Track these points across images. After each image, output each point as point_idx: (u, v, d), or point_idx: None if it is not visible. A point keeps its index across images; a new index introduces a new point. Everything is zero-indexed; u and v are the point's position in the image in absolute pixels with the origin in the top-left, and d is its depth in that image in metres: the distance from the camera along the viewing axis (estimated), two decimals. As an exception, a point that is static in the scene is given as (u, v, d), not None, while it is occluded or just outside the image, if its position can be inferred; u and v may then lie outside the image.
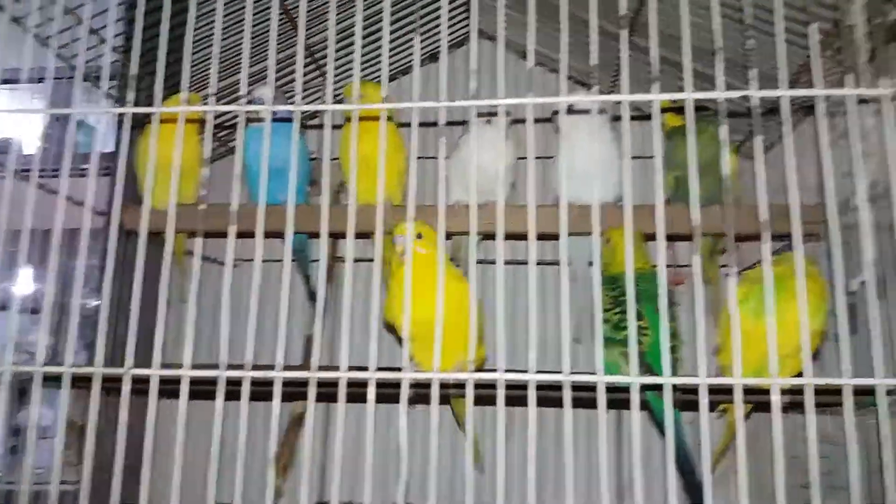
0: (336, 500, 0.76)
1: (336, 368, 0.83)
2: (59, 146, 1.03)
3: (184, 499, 0.82)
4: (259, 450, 1.53)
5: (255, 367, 0.82)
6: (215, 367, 0.81)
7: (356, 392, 0.82)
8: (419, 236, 1.20)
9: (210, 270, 1.71)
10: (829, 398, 0.83)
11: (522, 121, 1.81)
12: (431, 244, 1.19)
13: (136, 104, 0.93)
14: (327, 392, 0.84)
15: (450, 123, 1.89)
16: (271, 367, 0.83)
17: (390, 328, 1.21)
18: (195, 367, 0.82)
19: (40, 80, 1.08)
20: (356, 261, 1.69)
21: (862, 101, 1.03)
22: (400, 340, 1.22)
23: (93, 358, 0.83)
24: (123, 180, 0.93)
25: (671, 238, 1.64)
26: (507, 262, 1.77)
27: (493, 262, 1.76)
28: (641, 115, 1.89)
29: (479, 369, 1.31)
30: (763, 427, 1.52)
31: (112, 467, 0.81)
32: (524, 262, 1.77)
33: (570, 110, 1.41)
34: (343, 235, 1.66)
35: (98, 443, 1.39)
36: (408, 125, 1.80)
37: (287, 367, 0.82)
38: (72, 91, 1.01)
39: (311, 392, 0.80)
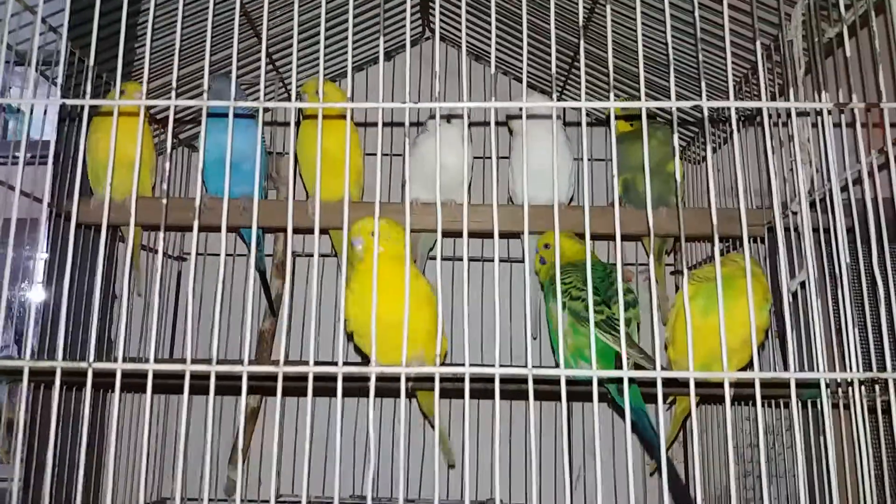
0: (304, 493, 0.77)
1: (299, 363, 0.83)
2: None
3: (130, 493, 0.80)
4: (208, 443, 1.51)
5: (219, 362, 0.82)
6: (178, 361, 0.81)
7: (318, 386, 0.83)
8: (373, 234, 1.19)
9: (153, 263, 1.69)
10: (771, 391, 0.88)
11: (478, 123, 1.85)
12: (387, 240, 1.19)
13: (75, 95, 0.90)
14: (288, 386, 0.85)
15: (412, 124, 1.91)
16: (232, 362, 0.82)
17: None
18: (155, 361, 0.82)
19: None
20: (313, 256, 1.69)
21: (801, 113, 1.10)
22: (349, 336, 1.24)
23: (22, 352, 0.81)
24: (76, 173, 0.91)
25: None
26: (457, 259, 1.80)
27: (447, 260, 1.79)
28: (589, 121, 1.94)
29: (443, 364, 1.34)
30: (704, 419, 1.60)
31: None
32: (476, 260, 1.81)
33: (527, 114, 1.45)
34: (300, 231, 1.67)
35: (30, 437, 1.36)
36: (362, 124, 1.82)
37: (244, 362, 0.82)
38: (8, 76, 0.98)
39: (279, 387, 0.81)
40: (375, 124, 1.84)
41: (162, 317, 1.73)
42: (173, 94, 0.94)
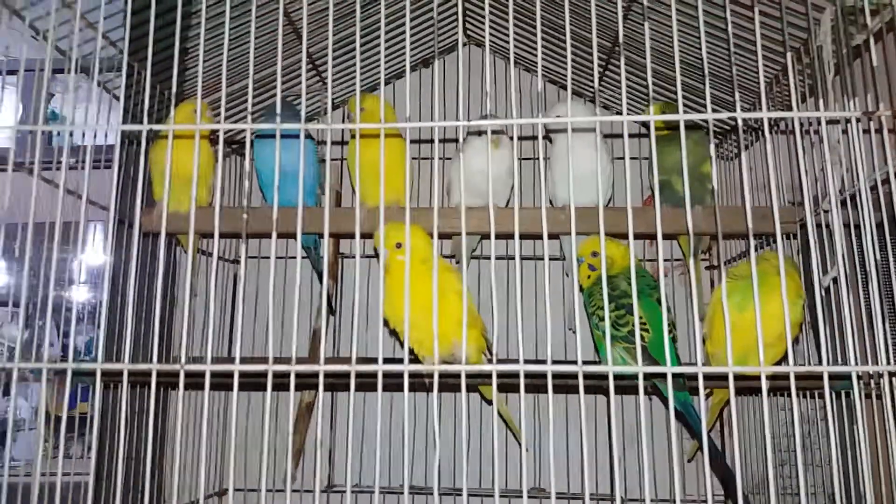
0: (376, 484, 0.85)
1: (346, 360, 0.90)
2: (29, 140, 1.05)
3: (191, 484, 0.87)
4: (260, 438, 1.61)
5: (276, 361, 0.89)
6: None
7: (363, 382, 0.90)
8: (398, 245, 1.25)
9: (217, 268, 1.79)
10: (806, 382, 0.94)
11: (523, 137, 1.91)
12: (414, 249, 1.20)
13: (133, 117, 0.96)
14: (339, 384, 0.91)
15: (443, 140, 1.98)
16: (304, 361, 0.90)
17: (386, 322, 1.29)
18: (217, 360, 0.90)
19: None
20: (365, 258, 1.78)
21: (831, 121, 1.15)
22: (391, 332, 1.32)
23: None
24: (143, 186, 0.98)
25: (652, 237, 1.76)
26: (499, 258, 1.88)
27: (487, 258, 1.87)
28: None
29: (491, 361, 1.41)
30: (740, 409, 1.65)
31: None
32: (514, 258, 1.88)
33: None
34: (348, 235, 1.75)
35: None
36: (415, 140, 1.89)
37: (299, 361, 0.89)
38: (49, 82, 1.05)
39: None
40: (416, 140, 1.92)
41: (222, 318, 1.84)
42: (248, 118, 1.02)
